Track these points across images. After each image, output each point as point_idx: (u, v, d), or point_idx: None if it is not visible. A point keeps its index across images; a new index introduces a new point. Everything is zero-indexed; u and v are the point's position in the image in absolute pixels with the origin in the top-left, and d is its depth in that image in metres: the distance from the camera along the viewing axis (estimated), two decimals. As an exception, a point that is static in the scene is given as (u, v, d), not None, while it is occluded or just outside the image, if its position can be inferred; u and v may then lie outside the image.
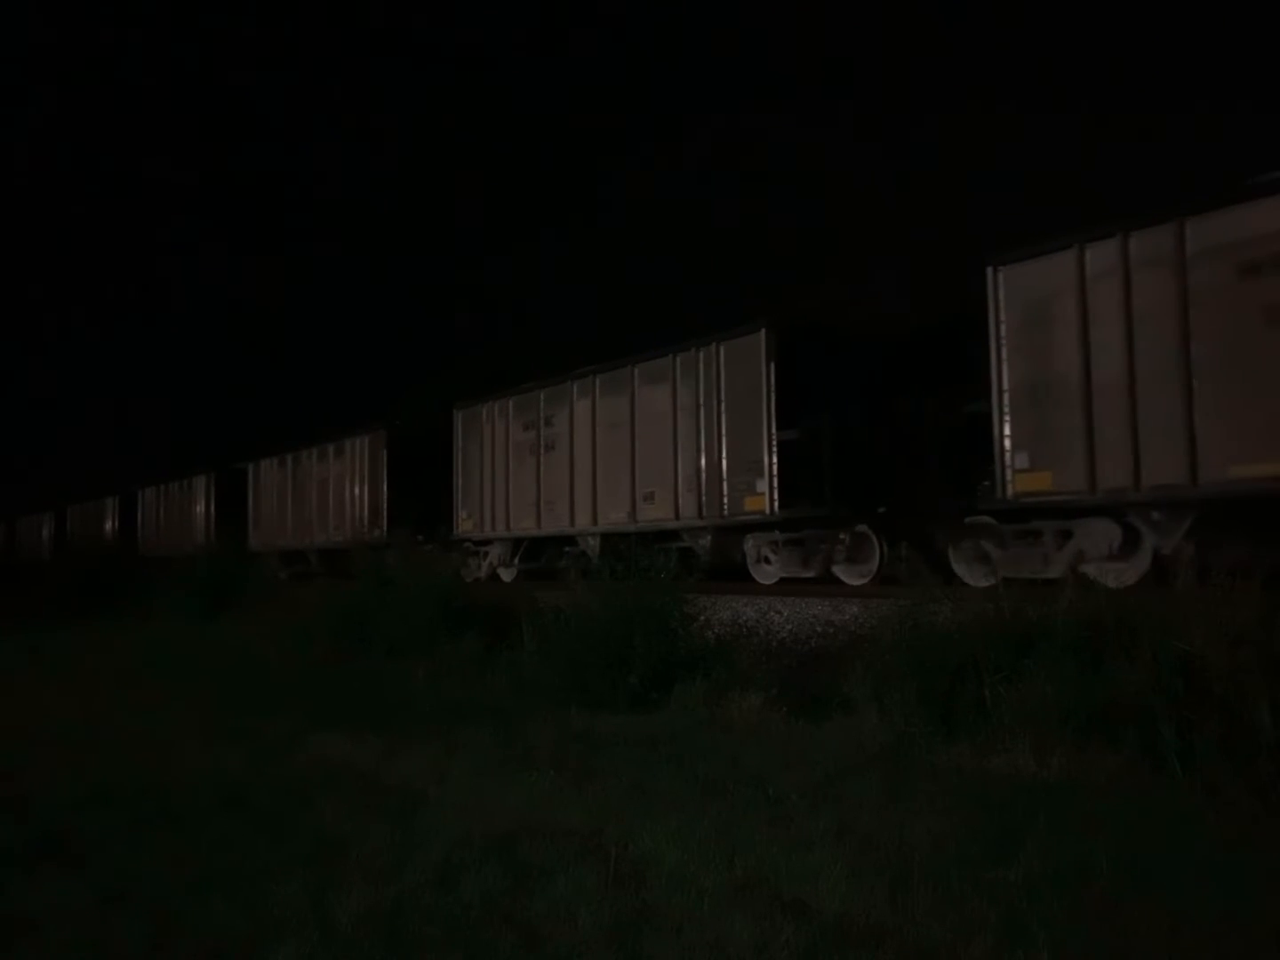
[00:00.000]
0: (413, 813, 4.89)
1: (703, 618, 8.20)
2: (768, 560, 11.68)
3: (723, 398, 11.78)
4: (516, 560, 15.60)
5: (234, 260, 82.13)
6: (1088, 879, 3.63)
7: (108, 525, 31.09)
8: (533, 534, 14.97)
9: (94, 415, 73.99)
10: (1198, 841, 3.99)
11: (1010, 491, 8.80)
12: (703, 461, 12.02)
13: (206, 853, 4.41)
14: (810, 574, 11.07)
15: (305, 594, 14.46)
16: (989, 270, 9.08)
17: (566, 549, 14.90)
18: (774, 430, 11.09)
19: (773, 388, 11.12)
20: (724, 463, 11.73)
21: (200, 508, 25.88)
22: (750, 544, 11.80)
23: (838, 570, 11.04)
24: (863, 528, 10.69)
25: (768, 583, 11.55)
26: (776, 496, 11.04)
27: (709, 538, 11.99)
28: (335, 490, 20.29)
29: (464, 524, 16.31)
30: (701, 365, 12.10)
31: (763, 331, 11.31)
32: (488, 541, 15.96)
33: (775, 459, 11.08)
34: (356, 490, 19.51)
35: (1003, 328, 8.95)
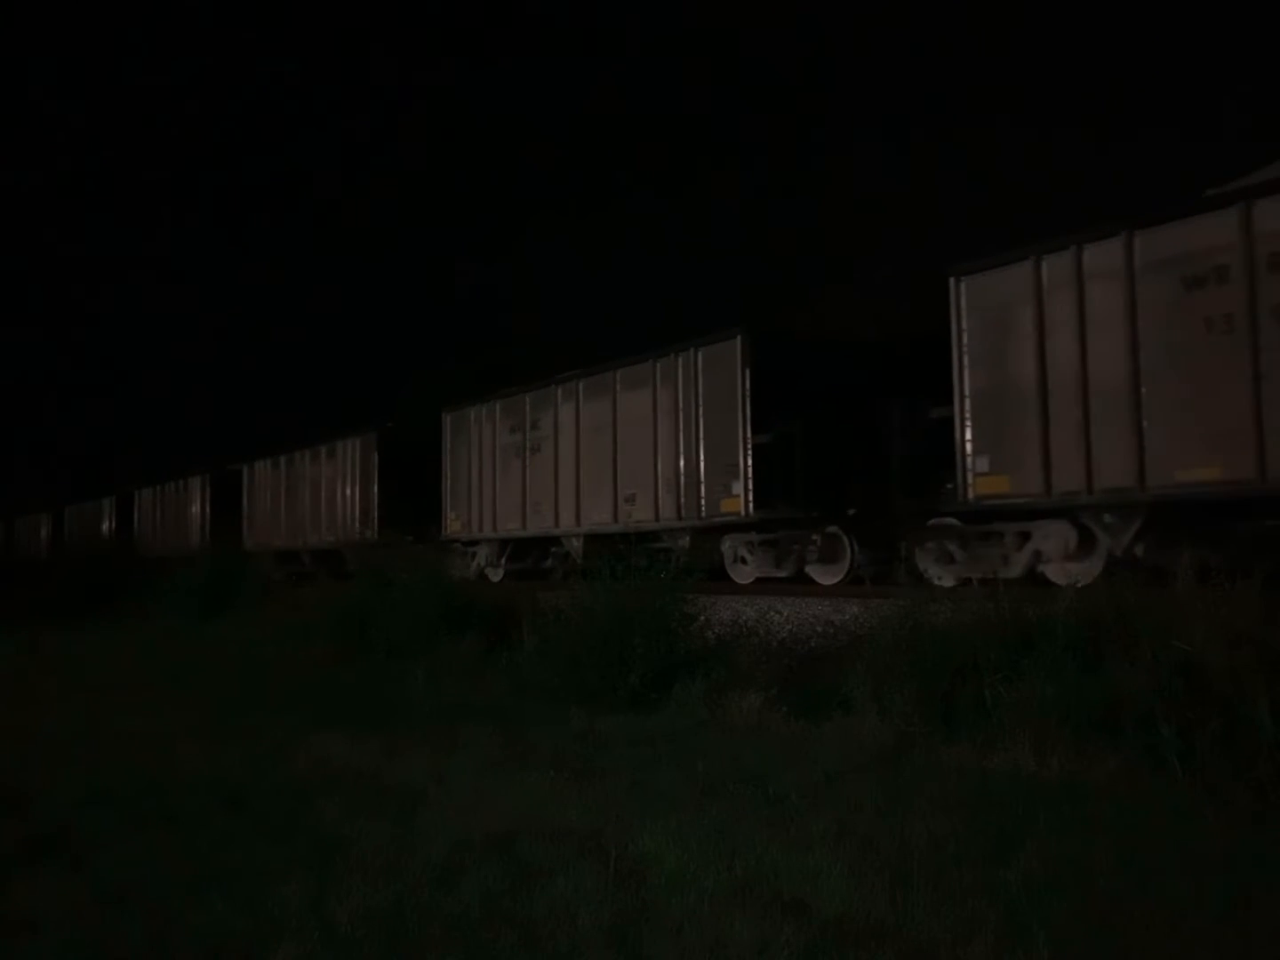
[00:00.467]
0: (413, 812, 4.89)
1: (703, 618, 8.21)
2: (744, 560, 11.95)
3: (700, 402, 12.10)
4: (503, 561, 15.86)
5: (231, 262, 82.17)
6: (1088, 879, 3.63)
7: (105, 526, 31.20)
8: (519, 535, 15.24)
9: (91, 416, 74.10)
10: (1198, 841, 3.99)
11: (971, 494, 9.10)
12: (681, 464, 12.31)
13: (206, 852, 4.41)
14: (784, 574, 11.34)
15: (304, 594, 14.46)
16: (952, 281, 9.34)
17: (553, 549, 15.18)
18: (749, 434, 11.38)
19: (748, 393, 11.42)
20: (702, 465, 12.04)
21: (196, 508, 26.03)
22: (727, 544, 12.07)
23: (810, 570, 11.29)
24: (834, 529, 10.98)
25: (744, 582, 11.79)
26: (751, 498, 11.33)
27: (688, 538, 12.26)
28: (328, 491, 20.51)
29: (452, 525, 16.57)
30: (680, 371, 12.38)
31: (738, 338, 11.60)
32: (476, 542, 16.21)
33: (750, 462, 11.37)
34: (348, 491, 19.76)
35: (965, 336, 9.23)
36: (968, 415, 9.13)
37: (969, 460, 9.09)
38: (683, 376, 12.32)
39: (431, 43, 74.48)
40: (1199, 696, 4.81)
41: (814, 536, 11.06)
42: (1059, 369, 8.50)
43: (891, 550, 10.11)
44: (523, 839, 4.38)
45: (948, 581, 9.27)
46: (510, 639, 9.53)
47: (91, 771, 6.04)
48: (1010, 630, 5.95)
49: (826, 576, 11.10)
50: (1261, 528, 7.54)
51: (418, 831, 4.58)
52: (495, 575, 15.81)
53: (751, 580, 11.75)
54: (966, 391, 9.17)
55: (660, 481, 12.54)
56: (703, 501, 11.95)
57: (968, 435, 9.12)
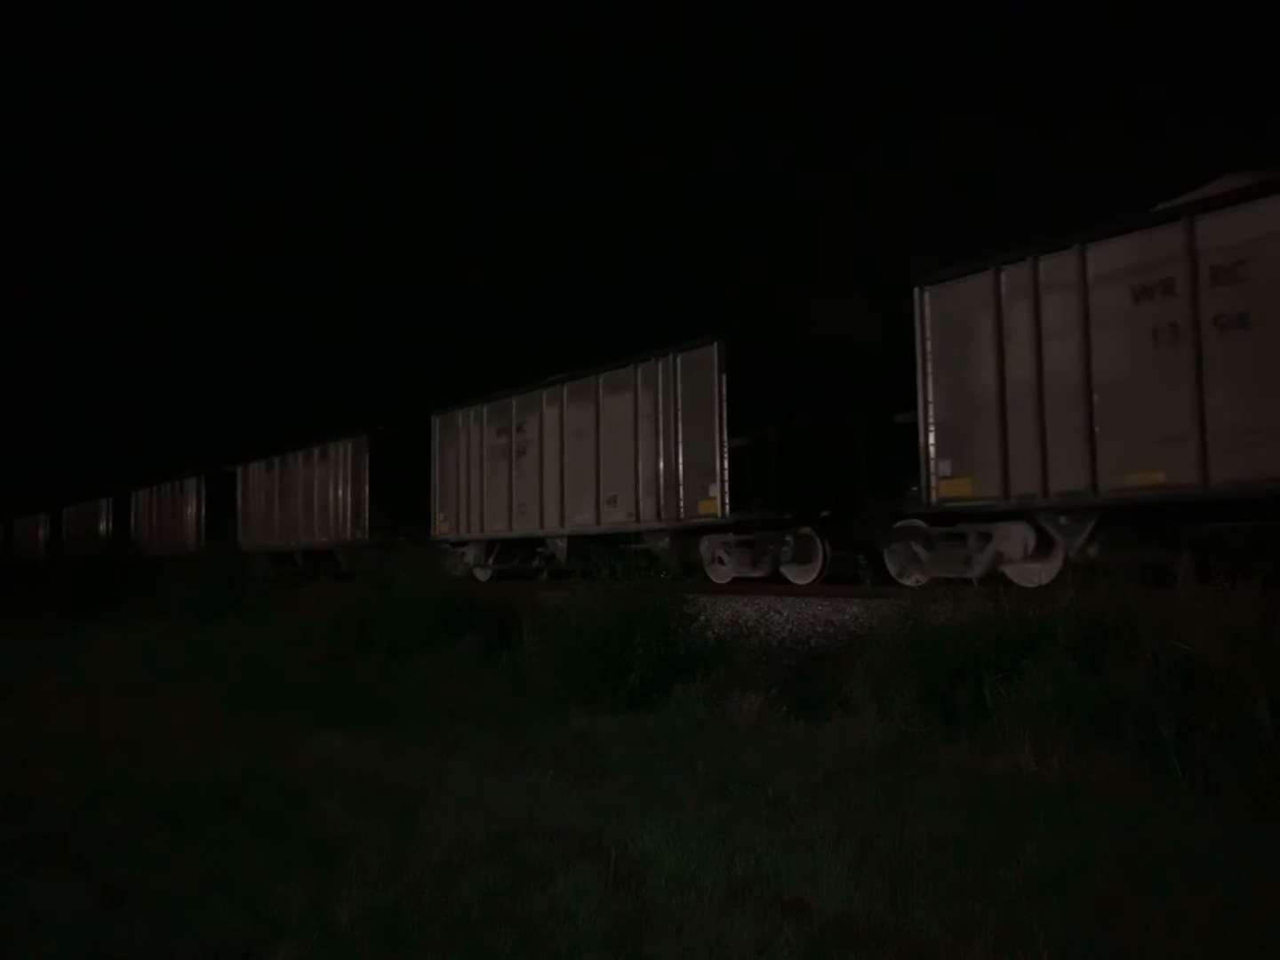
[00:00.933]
0: (413, 813, 4.89)
1: (703, 618, 8.21)
2: (722, 561, 12.17)
3: (679, 406, 12.34)
4: (490, 561, 16.10)
5: (227, 265, 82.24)
6: (1088, 879, 3.63)
7: (102, 526, 31.30)
8: (505, 536, 15.51)
9: (89, 418, 74.24)
10: (1197, 841, 3.99)
11: (935, 497, 9.35)
12: (661, 467, 12.54)
13: (207, 853, 4.41)
14: (760, 574, 11.57)
15: (303, 594, 14.47)
16: (916, 290, 9.60)
17: (539, 550, 15.44)
18: (725, 438, 11.65)
19: (724, 398, 11.69)
20: (680, 468, 12.27)
21: (191, 509, 26.20)
22: (706, 545, 12.29)
23: (785, 570, 11.52)
24: (807, 530, 11.25)
25: (722, 581, 12.03)
26: (728, 501, 11.58)
27: (667, 539, 12.51)
28: (320, 493, 20.71)
29: (441, 526, 16.82)
30: (660, 376, 12.62)
31: (715, 344, 11.87)
32: (464, 543, 16.45)
33: (726, 465, 11.64)
34: (340, 493, 19.96)
35: (928, 343, 9.50)
36: (931, 420, 9.43)
37: (932, 464, 9.36)
38: (662, 381, 12.59)
39: (427, 39, 74.56)
40: (1199, 696, 4.81)
41: (788, 538, 11.33)
42: (1017, 376, 8.76)
43: (863, 550, 10.63)
44: (523, 839, 4.38)
45: (914, 581, 9.56)
46: (510, 639, 9.54)
47: (92, 771, 6.04)
48: (1010, 630, 5.95)
49: (800, 576, 11.36)
50: (1212, 530, 7.75)
51: (418, 832, 4.58)
52: (483, 575, 16.07)
53: (729, 580, 11.99)
54: (930, 397, 9.45)
55: (641, 484, 12.81)
56: (681, 503, 12.21)
57: (931, 440, 9.41)
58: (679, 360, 12.34)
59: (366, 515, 18.75)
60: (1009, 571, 8.91)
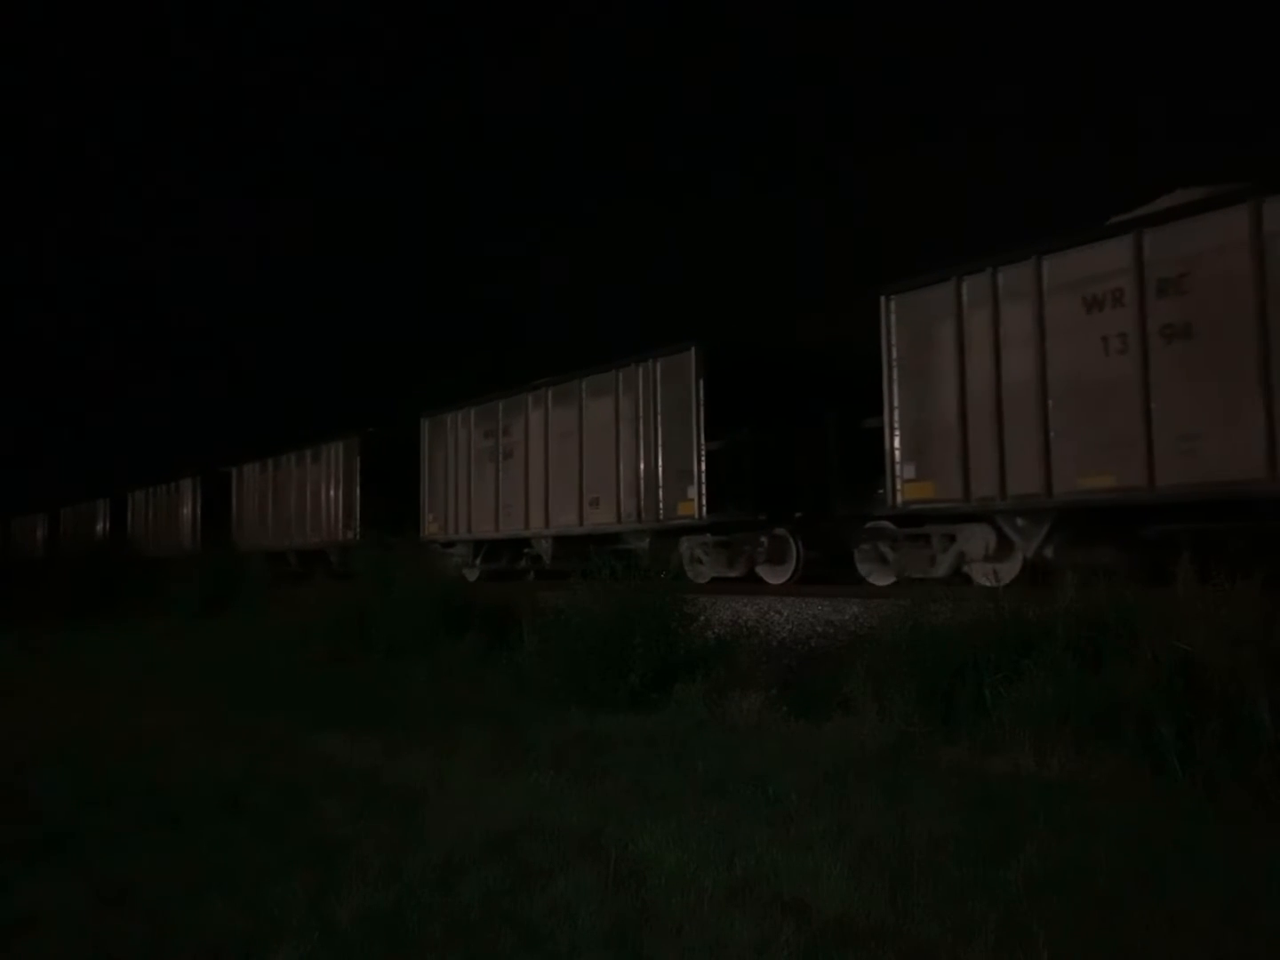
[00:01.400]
0: (413, 813, 4.89)
1: (703, 618, 8.20)
2: (700, 561, 12.40)
3: (659, 410, 12.64)
4: (478, 561, 16.30)
5: (224, 267, 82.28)
6: (1088, 879, 3.63)
7: (99, 526, 31.45)
8: (492, 536, 15.76)
9: (86, 419, 74.47)
10: (1197, 841, 3.99)
11: (900, 499, 9.65)
12: (642, 469, 12.82)
13: (207, 852, 4.41)
14: (736, 574, 11.86)
15: (302, 593, 14.47)
16: (882, 299, 9.92)
17: (525, 550, 15.66)
18: (703, 441, 11.92)
19: (701, 402, 11.97)
20: (660, 470, 12.56)
21: (187, 510, 26.33)
22: (685, 546, 12.52)
23: (760, 570, 11.79)
24: (781, 531, 11.54)
25: (700, 581, 12.25)
26: (705, 502, 11.87)
27: (648, 540, 12.72)
28: (313, 493, 20.93)
29: (430, 527, 17.06)
30: (641, 380, 12.92)
31: (692, 350, 12.14)
32: (452, 543, 16.67)
33: (704, 467, 11.92)
34: (332, 493, 20.18)
35: (894, 350, 9.82)
36: (896, 425, 9.74)
37: (897, 467, 9.67)
38: (643, 385, 12.88)
39: (426, 41, 74.57)
40: (1199, 696, 4.81)
41: (763, 538, 11.63)
42: (977, 382, 9.06)
43: (835, 551, 10.95)
44: (523, 839, 4.38)
45: (882, 581, 9.97)
46: (510, 639, 9.53)
47: (92, 771, 6.04)
48: (1010, 630, 5.95)
49: (775, 576, 11.61)
50: (1163, 531, 8.01)
51: (418, 831, 4.58)
52: (471, 575, 16.24)
53: (707, 580, 12.22)
54: (895, 403, 9.74)
55: (622, 485, 13.10)
56: (661, 505, 12.48)
57: (896, 443, 9.71)
58: (658, 365, 12.66)
59: (358, 516, 19.02)
60: (971, 571, 9.24)
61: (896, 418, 9.70)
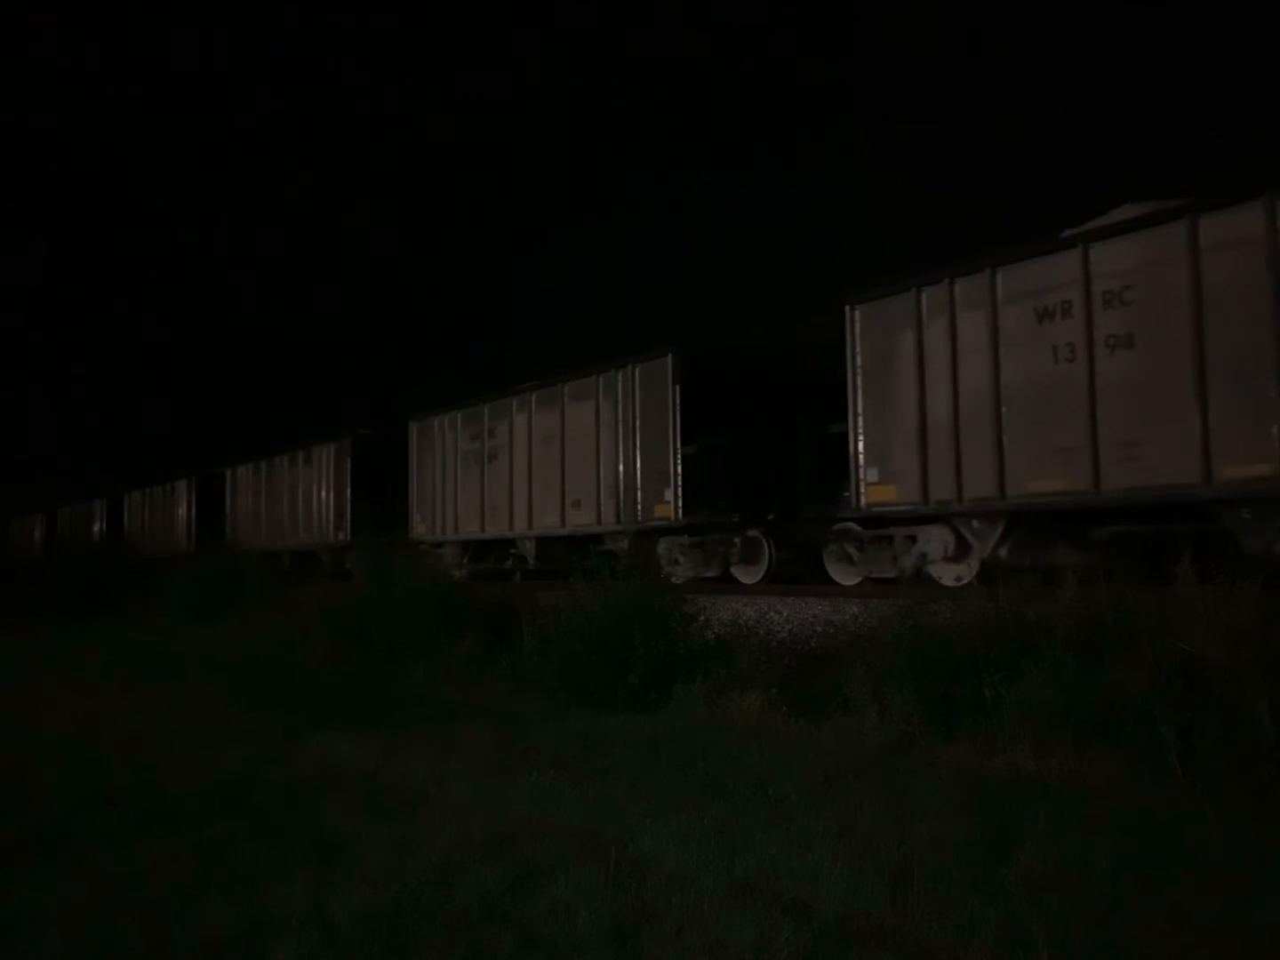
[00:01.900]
0: (413, 813, 4.89)
1: (702, 618, 8.20)
2: (677, 561, 12.64)
3: (637, 415, 12.96)
4: (465, 561, 16.49)
5: (220, 270, 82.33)
6: (1088, 879, 3.63)
7: (96, 527, 31.59)
8: (478, 537, 16.05)
9: (84, 420, 74.60)
10: (1198, 841, 3.99)
11: (863, 502, 9.99)
12: (621, 471, 13.13)
13: (207, 852, 4.40)
14: (712, 574, 12.15)
15: (302, 594, 14.47)
16: (847, 308, 10.23)
17: (511, 551, 15.89)
18: (679, 445, 12.24)
19: (678, 407, 12.27)
20: (638, 473, 12.89)
21: (182, 510, 26.47)
22: (663, 546, 12.79)
23: (735, 570, 12.11)
24: (754, 532, 11.88)
25: (677, 581, 12.30)
26: (681, 504, 12.19)
27: (626, 541, 12.98)
28: (304, 495, 21.09)
29: (418, 528, 17.27)
30: (620, 385, 13.23)
31: (669, 356, 12.45)
32: (440, 544, 16.85)
33: (680, 470, 12.22)
34: (323, 495, 20.35)
35: (858, 358, 10.12)
36: (860, 430, 10.06)
37: (861, 471, 10.00)
38: (622, 390, 13.17)
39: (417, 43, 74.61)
40: (1199, 696, 4.81)
41: (736, 539, 11.94)
42: (935, 389, 9.36)
43: (805, 551, 11.30)
44: (522, 839, 4.38)
45: (849, 580, 10.45)
46: (510, 639, 9.53)
47: (92, 771, 6.04)
48: (1010, 630, 5.95)
49: (748, 576, 11.92)
50: (1113, 533, 8.37)
51: (418, 831, 4.57)
52: (459, 575, 16.23)
53: (684, 580, 12.36)
54: (860, 409, 10.05)
55: (602, 488, 13.38)
56: (639, 507, 12.79)
57: (860, 448, 10.03)
58: (637, 371, 12.95)
59: (349, 517, 19.18)
60: (933, 571, 9.53)
61: (861, 423, 10.03)
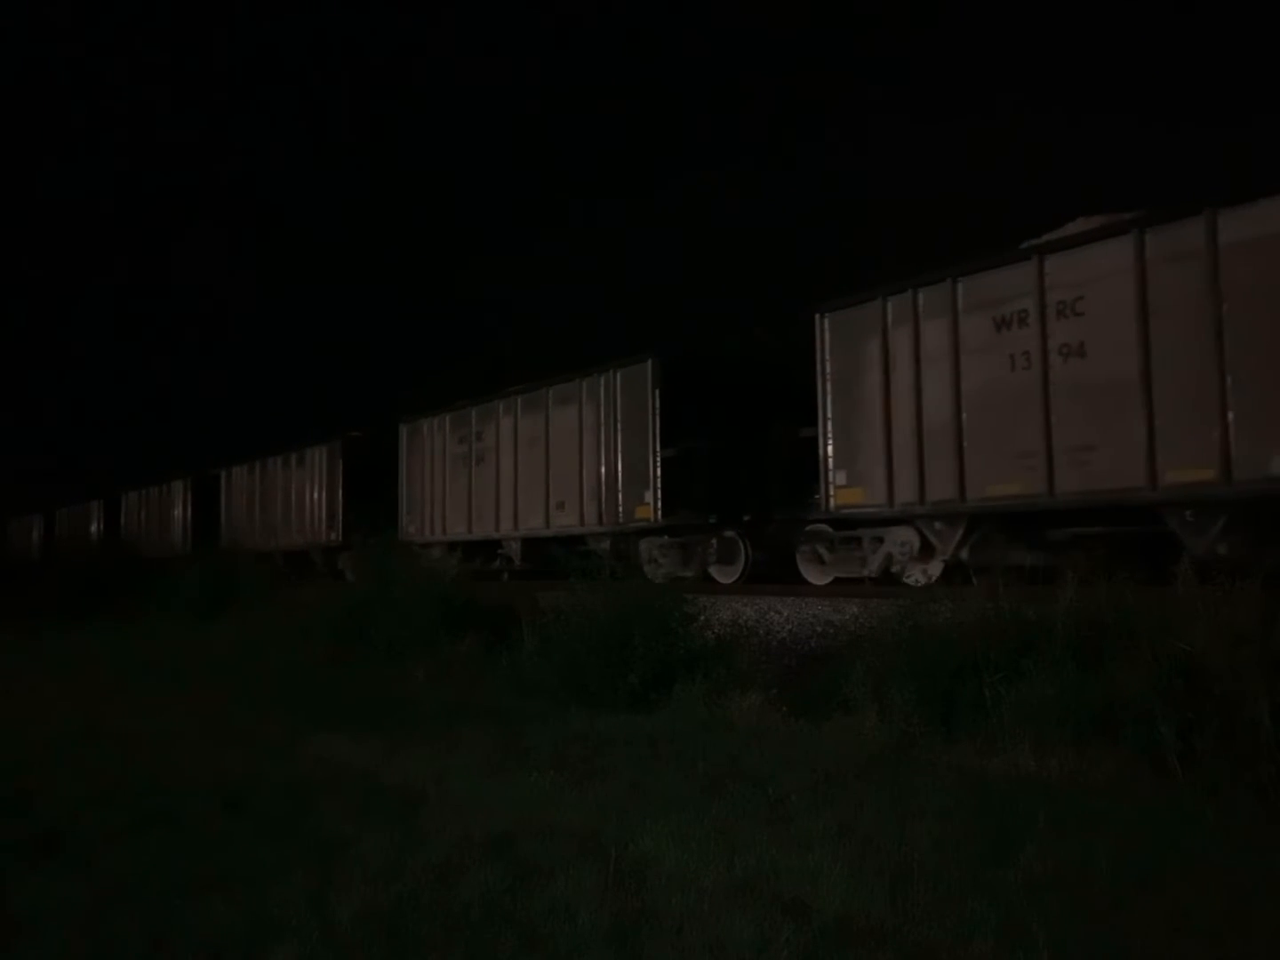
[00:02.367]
0: (413, 813, 4.89)
1: (702, 618, 8.21)
2: (658, 561, 12.84)
3: (619, 418, 13.25)
4: (454, 562, 16.49)
5: (217, 272, 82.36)
6: (1088, 879, 3.63)
7: (93, 527, 31.63)
8: (466, 538, 16.30)
9: (82, 420, 74.72)
10: (1197, 841, 3.99)
11: (833, 504, 10.30)
12: (603, 474, 13.42)
13: (207, 852, 4.40)
14: (690, 574, 12.36)
15: (301, 594, 14.47)
16: (817, 316, 10.54)
17: (499, 551, 16.07)
18: (659, 448, 12.55)
19: (658, 411, 12.62)
20: (620, 475, 13.16)
21: (178, 511, 26.61)
22: (643, 547, 13.03)
23: (712, 570, 12.32)
24: (731, 533, 12.12)
25: (657, 581, 12.43)
26: (660, 506, 12.51)
27: (608, 542, 13.31)
28: (297, 496, 21.27)
29: (408, 529, 17.46)
30: (602, 389, 13.52)
31: (649, 361, 12.79)
32: (429, 545, 16.99)
33: (659, 473, 12.55)
34: (316, 496, 20.53)
35: (828, 365, 10.46)
36: (829, 435, 10.38)
37: (830, 474, 10.31)
38: (604, 395, 13.46)
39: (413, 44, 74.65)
40: (1199, 696, 4.81)
41: (713, 540, 12.18)
42: (899, 395, 9.67)
43: (778, 552, 11.57)
44: (523, 839, 4.38)
45: (820, 580, 10.77)
46: (510, 639, 9.53)
47: (92, 771, 6.03)
48: (1010, 630, 5.95)
49: (725, 576, 12.15)
50: (1070, 535, 8.54)
51: (418, 831, 4.57)
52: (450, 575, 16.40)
53: (663, 579, 12.45)
54: (829, 414, 10.38)
55: (585, 490, 13.67)
56: (620, 508, 13.06)
57: (829, 452, 10.35)
58: (618, 375, 13.23)
59: (340, 517, 19.36)
60: (899, 571, 9.81)
61: (830, 428, 10.34)
